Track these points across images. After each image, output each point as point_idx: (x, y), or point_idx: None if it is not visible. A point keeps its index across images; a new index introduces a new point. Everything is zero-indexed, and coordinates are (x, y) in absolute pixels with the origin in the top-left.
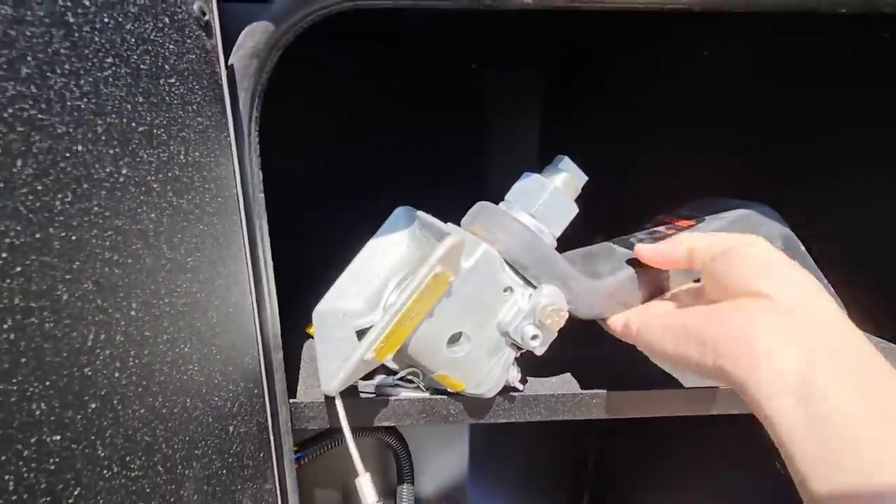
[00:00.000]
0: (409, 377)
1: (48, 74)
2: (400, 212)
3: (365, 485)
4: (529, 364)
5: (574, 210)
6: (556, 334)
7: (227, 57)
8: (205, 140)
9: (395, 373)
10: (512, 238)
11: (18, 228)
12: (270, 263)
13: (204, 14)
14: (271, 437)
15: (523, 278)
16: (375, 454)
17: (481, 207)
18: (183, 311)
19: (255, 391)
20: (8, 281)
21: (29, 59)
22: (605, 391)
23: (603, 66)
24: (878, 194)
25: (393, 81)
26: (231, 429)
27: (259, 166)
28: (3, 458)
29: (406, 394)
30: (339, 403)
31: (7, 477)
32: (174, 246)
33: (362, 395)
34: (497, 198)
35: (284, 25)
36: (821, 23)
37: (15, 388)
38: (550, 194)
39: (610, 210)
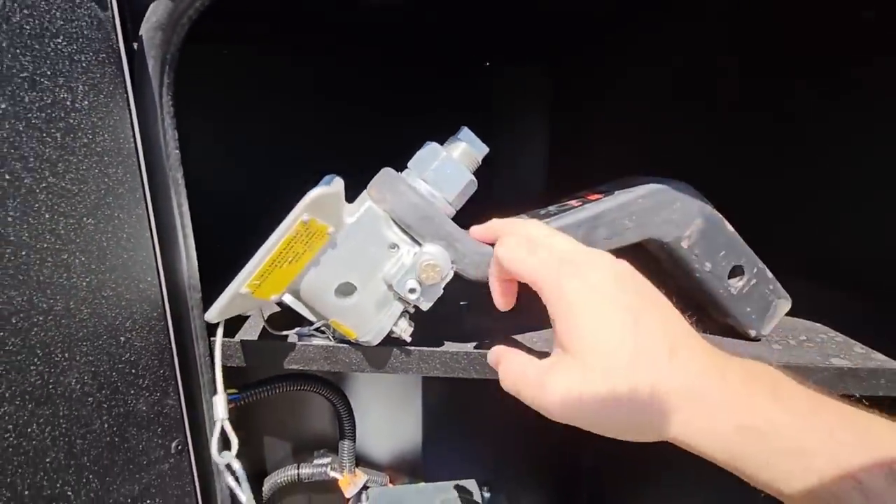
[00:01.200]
0: (322, 328)
1: None
2: (327, 177)
3: (219, 402)
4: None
5: (467, 178)
6: (440, 290)
7: (135, 28)
8: (96, 93)
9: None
10: (397, 198)
11: None
12: (187, 214)
13: None
14: (175, 360)
15: (411, 237)
16: (330, 413)
17: (381, 172)
18: (68, 228)
19: (154, 315)
20: None
21: None
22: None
23: (611, 59)
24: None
25: (394, 76)
26: (123, 339)
27: (174, 126)
28: None
29: (316, 342)
30: (219, 332)
31: None
32: (57, 173)
33: (291, 341)
34: (501, 194)
35: (184, 2)
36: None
37: None
38: (441, 161)
39: None
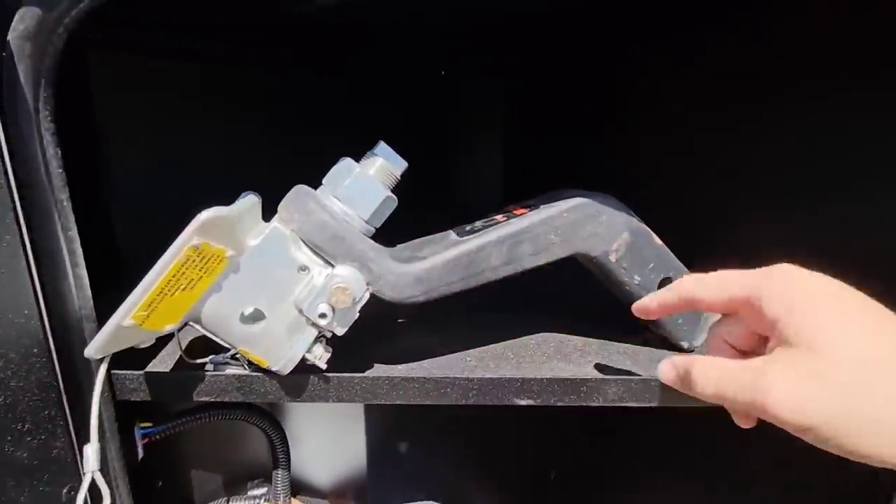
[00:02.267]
0: (237, 356)
1: None
2: (243, 195)
3: (90, 452)
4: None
5: (383, 195)
6: (355, 314)
7: (3, 40)
8: None
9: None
10: (305, 217)
11: None
12: (76, 239)
13: None
14: (64, 399)
15: (323, 258)
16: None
17: (293, 190)
18: None
19: (34, 351)
20: None
21: None
22: (424, 377)
23: (566, 70)
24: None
25: (343, 87)
26: None
27: (55, 143)
28: None
29: (230, 370)
30: (101, 368)
31: None
32: None
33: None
34: (458, 205)
35: (58, 10)
36: None
37: None
38: (354, 177)
39: None
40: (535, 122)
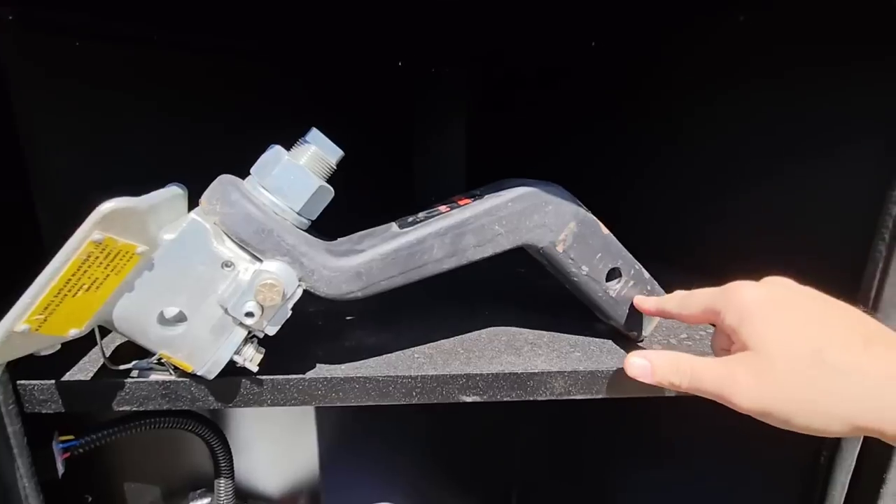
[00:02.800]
0: (164, 360)
1: None
2: (169, 186)
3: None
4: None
5: (316, 185)
6: (287, 312)
7: None
8: None
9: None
10: (228, 209)
11: None
12: None
13: None
14: None
15: (249, 253)
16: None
17: (217, 179)
18: None
19: None
20: None
21: None
22: (364, 377)
23: (527, 60)
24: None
25: (312, 78)
26: None
27: None
28: None
29: (155, 376)
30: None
31: None
32: None
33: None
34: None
35: None
36: None
37: None
38: (283, 167)
39: None
40: (499, 112)
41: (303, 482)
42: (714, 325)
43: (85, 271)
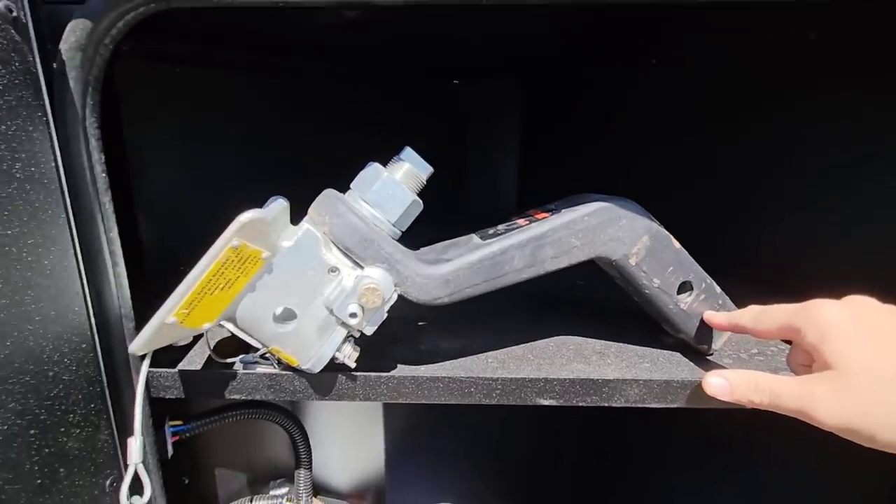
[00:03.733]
0: (267, 355)
1: None
2: (271, 200)
3: (133, 444)
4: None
5: (410, 199)
6: (384, 314)
7: (55, 49)
8: (12, 117)
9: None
10: (336, 220)
11: None
12: (116, 240)
13: (11, 11)
14: (106, 393)
15: (352, 260)
16: (287, 440)
17: (323, 193)
18: None
19: (83, 346)
20: None
21: None
22: (448, 377)
23: (579, 72)
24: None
25: (366, 93)
26: (51, 374)
27: (100, 148)
28: None
29: (260, 369)
30: (144, 365)
31: None
32: None
33: (236, 369)
34: (474, 207)
35: (104, 23)
36: None
37: None
38: (382, 182)
39: None
40: (550, 125)
41: (369, 479)
42: (790, 342)
43: (222, 273)
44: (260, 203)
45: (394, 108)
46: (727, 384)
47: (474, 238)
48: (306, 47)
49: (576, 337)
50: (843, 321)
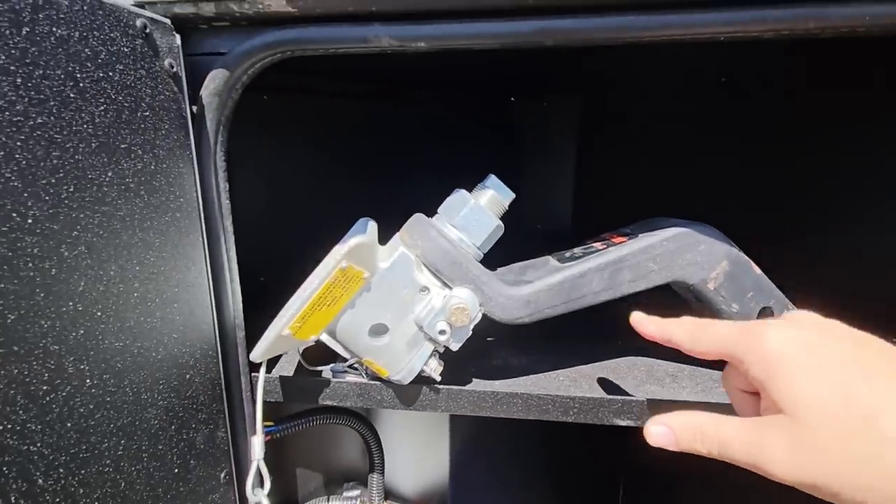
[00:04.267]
0: (356, 365)
1: (62, 110)
2: (361, 221)
3: (256, 442)
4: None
5: (494, 224)
6: (469, 332)
7: (196, 95)
8: (171, 156)
9: (346, 361)
10: (428, 244)
11: (39, 205)
12: (234, 258)
13: (172, 67)
14: (224, 395)
15: (441, 280)
16: (363, 447)
17: (413, 218)
18: (150, 276)
19: (210, 353)
20: (29, 239)
21: (51, 103)
22: (528, 393)
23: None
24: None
25: (424, 115)
26: (188, 376)
27: (225, 178)
28: (19, 365)
29: (350, 378)
30: (261, 371)
31: (18, 371)
32: (144, 228)
33: (325, 377)
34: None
35: (237, 72)
36: None
37: (31, 313)
38: (470, 209)
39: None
40: (609, 144)
41: (434, 486)
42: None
43: (330, 291)
44: (339, 222)
45: (449, 123)
46: (671, 433)
47: (551, 260)
48: (374, 71)
49: (645, 358)
50: (790, 352)
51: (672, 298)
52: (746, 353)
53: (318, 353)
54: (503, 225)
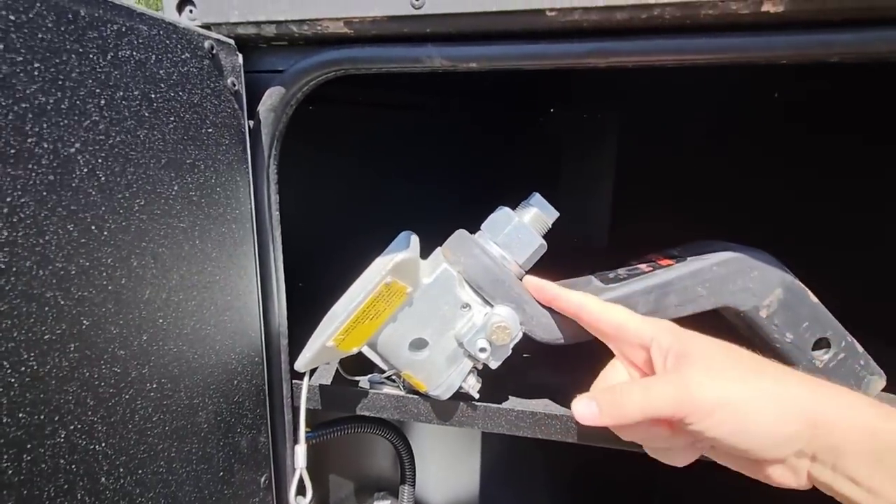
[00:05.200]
0: (393, 377)
1: (137, 129)
2: (403, 235)
3: (300, 451)
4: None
5: (538, 242)
6: (509, 350)
7: (253, 111)
8: (230, 169)
9: (384, 372)
10: (470, 261)
11: (115, 217)
12: (281, 268)
13: (234, 85)
14: (268, 401)
15: (482, 298)
16: (394, 457)
17: (455, 234)
18: (206, 285)
19: (256, 359)
20: (105, 250)
21: (129, 122)
22: (567, 415)
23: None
24: None
25: (460, 125)
26: (236, 382)
27: (276, 191)
28: (90, 368)
29: (387, 390)
30: (305, 380)
31: (89, 374)
32: (203, 240)
33: (360, 387)
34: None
35: (293, 89)
36: None
37: (103, 320)
38: (514, 226)
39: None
40: (647, 160)
41: (464, 501)
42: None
43: (374, 305)
44: (379, 233)
45: (485, 135)
46: (595, 407)
47: (594, 281)
48: (415, 84)
49: None
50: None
51: (718, 321)
52: (658, 339)
53: (355, 363)
54: (546, 244)
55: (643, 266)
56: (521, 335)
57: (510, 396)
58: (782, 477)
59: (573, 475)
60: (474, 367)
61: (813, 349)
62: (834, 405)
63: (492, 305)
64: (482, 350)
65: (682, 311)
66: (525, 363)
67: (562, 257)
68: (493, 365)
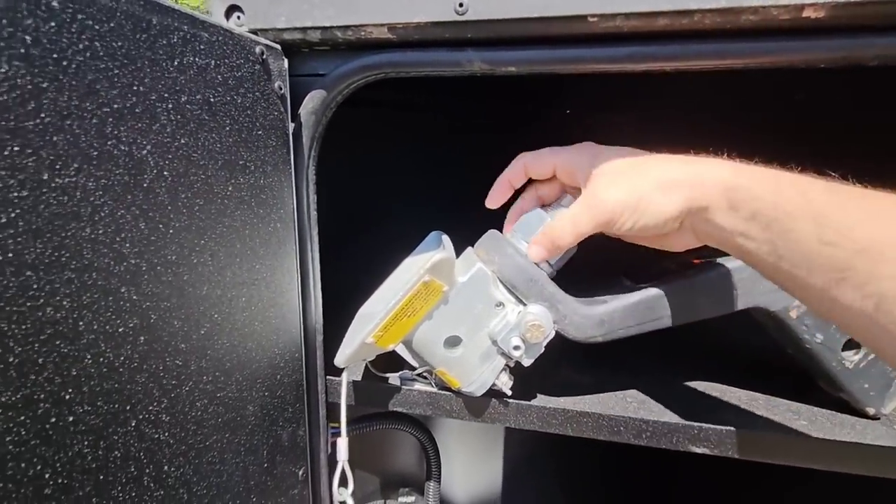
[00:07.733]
0: (425, 374)
1: (198, 131)
2: (433, 235)
3: (342, 444)
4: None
5: None
6: (542, 348)
7: (294, 113)
8: (276, 170)
9: (414, 369)
10: (504, 261)
11: (179, 217)
12: (318, 265)
13: (280, 89)
14: (306, 396)
15: (516, 296)
16: (419, 454)
17: (488, 234)
18: (255, 282)
19: (296, 355)
20: (171, 247)
21: (191, 125)
22: (598, 413)
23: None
24: None
25: (473, 125)
26: (278, 376)
27: (314, 192)
28: (157, 361)
29: (419, 387)
30: (344, 376)
31: (156, 367)
32: (253, 238)
33: (391, 383)
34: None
35: (334, 92)
36: None
37: (168, 314)
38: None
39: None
40: None
41: (486, 498)
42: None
43: (411, 303)
44: (385, 235)
45: (500, 135)
46: (542, 249)
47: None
48: (432, 84)
49: (716, 384)
50: (603, 151)
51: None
52: (579, 161)
53: (382, 362)
54: (576, 244)
55: (673, 266)
56: (553, 333)
57: (539, 394)
58: (683, 241)
59: (596, 475)
60: (507, 365)
61: (843, 350)
62: (703, 170)
63: (525, 304)
64: (516, 348)
65: (712, 311)
66: (553, 361)
67: (590, 255)
68: (526, 363)
